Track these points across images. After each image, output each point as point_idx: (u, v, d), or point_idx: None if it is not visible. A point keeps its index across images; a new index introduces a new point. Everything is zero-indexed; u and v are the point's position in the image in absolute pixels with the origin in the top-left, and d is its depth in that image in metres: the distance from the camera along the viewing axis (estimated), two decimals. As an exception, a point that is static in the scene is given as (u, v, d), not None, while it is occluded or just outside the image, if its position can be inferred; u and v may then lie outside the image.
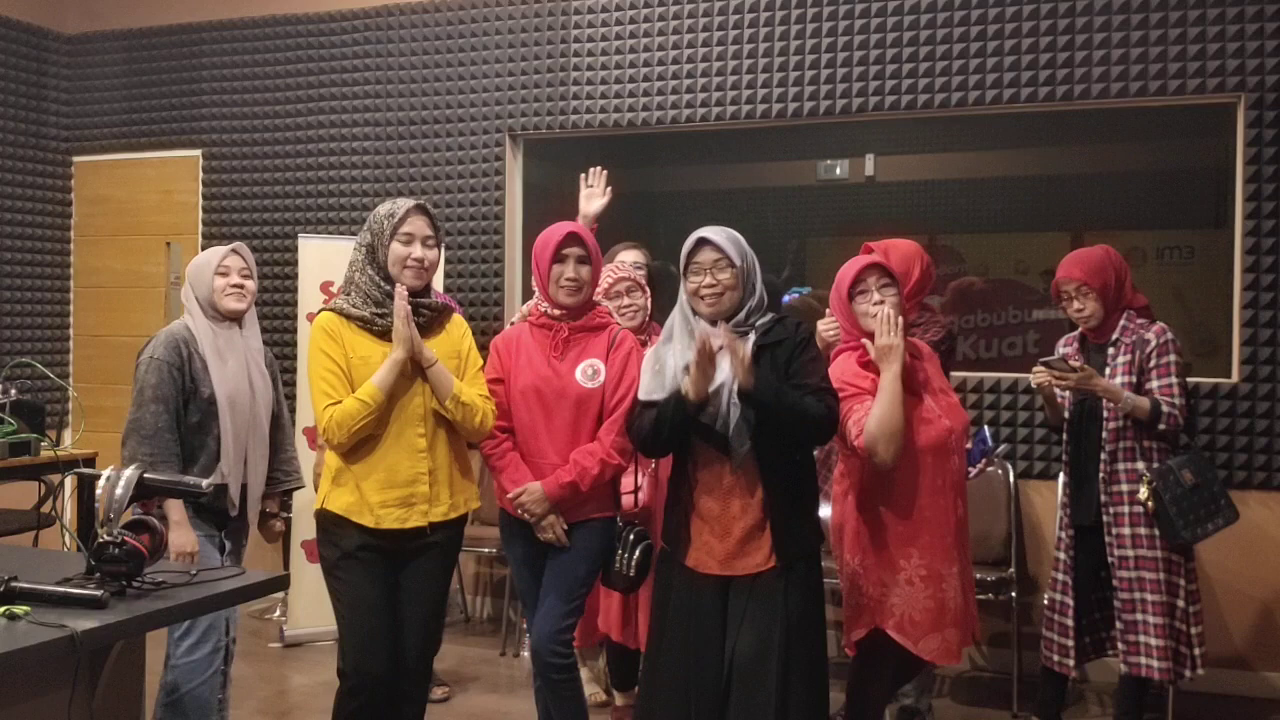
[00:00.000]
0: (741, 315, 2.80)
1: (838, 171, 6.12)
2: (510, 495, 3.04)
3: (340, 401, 2.83)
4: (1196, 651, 3.56)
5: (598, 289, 3.47)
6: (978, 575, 4.14)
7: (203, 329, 3.18)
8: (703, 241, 2.81)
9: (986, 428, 3.79)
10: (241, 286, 3.22)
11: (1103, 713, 4.18)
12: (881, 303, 3.00)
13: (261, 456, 3.25)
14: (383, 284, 2.90)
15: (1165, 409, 3.46)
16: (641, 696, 2.96)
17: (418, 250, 2.90)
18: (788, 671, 2.71)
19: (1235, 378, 4.43)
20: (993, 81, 4.68)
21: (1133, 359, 3.54)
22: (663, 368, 2.82)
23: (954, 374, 4.55)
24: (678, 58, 5.14)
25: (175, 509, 3.06)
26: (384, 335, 2.88)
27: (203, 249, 4.57)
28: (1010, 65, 4.66)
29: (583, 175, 4.05)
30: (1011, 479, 4.50)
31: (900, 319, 2.92)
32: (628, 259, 3.92)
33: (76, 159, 6.35)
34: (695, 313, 2.84)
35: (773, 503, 2.75)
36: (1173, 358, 3.52)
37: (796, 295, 4.68)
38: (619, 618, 3.63)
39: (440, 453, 2.93)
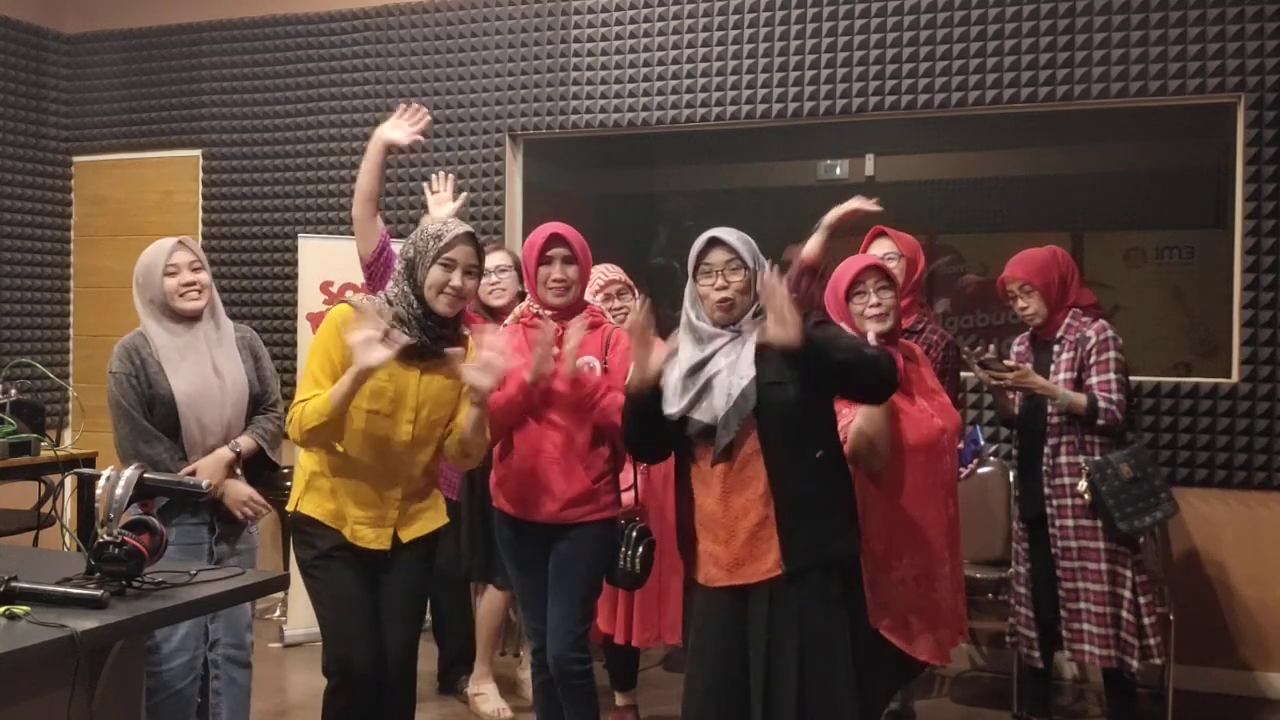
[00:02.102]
0: (748, 316, 2.68)
1: (838, 171, 6.12)
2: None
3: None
4: (1151, 641, 3.58)
5: (587, 292, 3.47)
6: (978, 575, 4.16)
7: (156, 334, 3.09)
8: (714, 241, 2.67)
9: (978, 427, 3.81)
10: (194, 283, 3.09)
11: (1103, 713, 4.17)
12: (878, 304, 3.00)
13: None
14: (414, 304, 2.78)
15: (1102, 404, 3.53)
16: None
17: (457, 279, 2.75)
18: (804, 693, 2.56)
19: (1235, 378, 4.43)
20: (993, 81, 4.68)
21: (1075, 355, 3.61)
22: (673, 369, 2.70)
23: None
24: (678, 58, 5.14)
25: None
26: (399, 355, 2.75)
27: (202, 249, 4.57)
28: (1010, 65, 4.66)
29: (425, 183, 4.06)
30: (1011, 479, 4.50)
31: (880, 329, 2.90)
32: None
33: (76, 159, 6.35)
34: (699, 317, 2.69)
35: (779, 499, 2.58)
36: (1112, 354, 3.58)
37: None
38: (612, 615, 3.62)
39: (417, 480, 2.89)
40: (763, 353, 2.62)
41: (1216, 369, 4.63)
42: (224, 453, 3.12)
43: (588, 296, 3.45)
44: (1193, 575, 4.43)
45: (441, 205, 4.03)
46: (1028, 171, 6.16)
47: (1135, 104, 4.58)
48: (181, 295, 3.09)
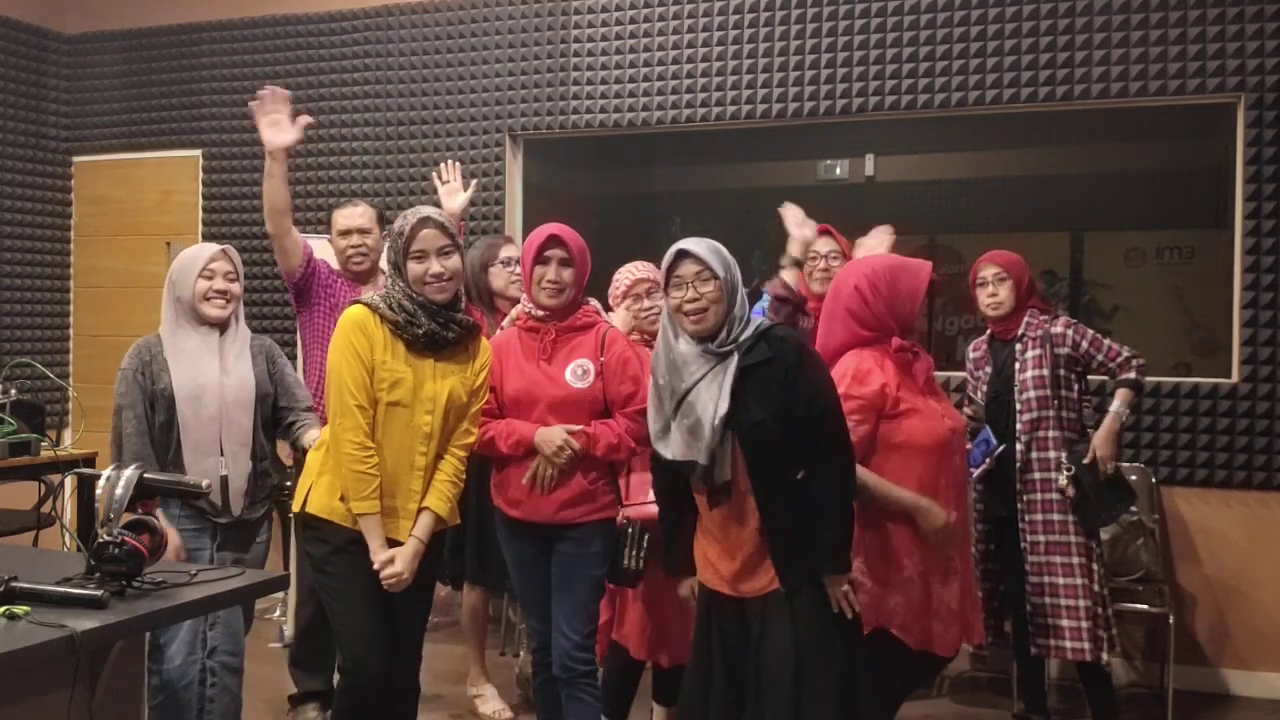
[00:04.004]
0: (723, 333, 2.66)
1: (838, 171, 6.14)
2: (532, 472, 3.01)
3: (363, 405, 2.78)
4: (1114, 632, 3.67)
5: (615, 292, 3.44)
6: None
7: (171, 334, 3.13)
8: (682, 254, 2.68)
9: (987, 427, 3.79)
10: (225, 292, 3.14)
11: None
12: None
13: (241, 447, 3.16)
14: (414, 297, 2.82)
15: (1132, 373, 3.64)
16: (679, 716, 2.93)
17: (434, 266, 2.79)
18: (800, 701, 2.62)
19: (1235, 378, 4.43)
20: (993, 81, 4.68)
21: (1043, 353, 3.67)
22: (661, 403, 2.72)
23: (952, 373, 4.56)
24: (678, 58, 5.14)
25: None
26: (412, 344, 2.82)
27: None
28: (1010, 65, 4.66)
29: (434, 173, 3.99)
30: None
31: None
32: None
33: (76, 159, 6.35)
34: (679, 332, 2.69)
35: (771, 529, 2.63)
36: (1090, 331, 3.71)
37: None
38: (637, 632, 3.44)
39: (433, 473, 2.90)
40: (743, 382, 2.62)
41: (1216, 369, 4.63)
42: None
43: (613, 299, 3.45)
44: (1193, 575, 4.44)
45: (453, 196, 3.99)
46: (1028, 171, 6.17)
47: (1135, 104, 4.58)
48: (208, 300, 3.13)
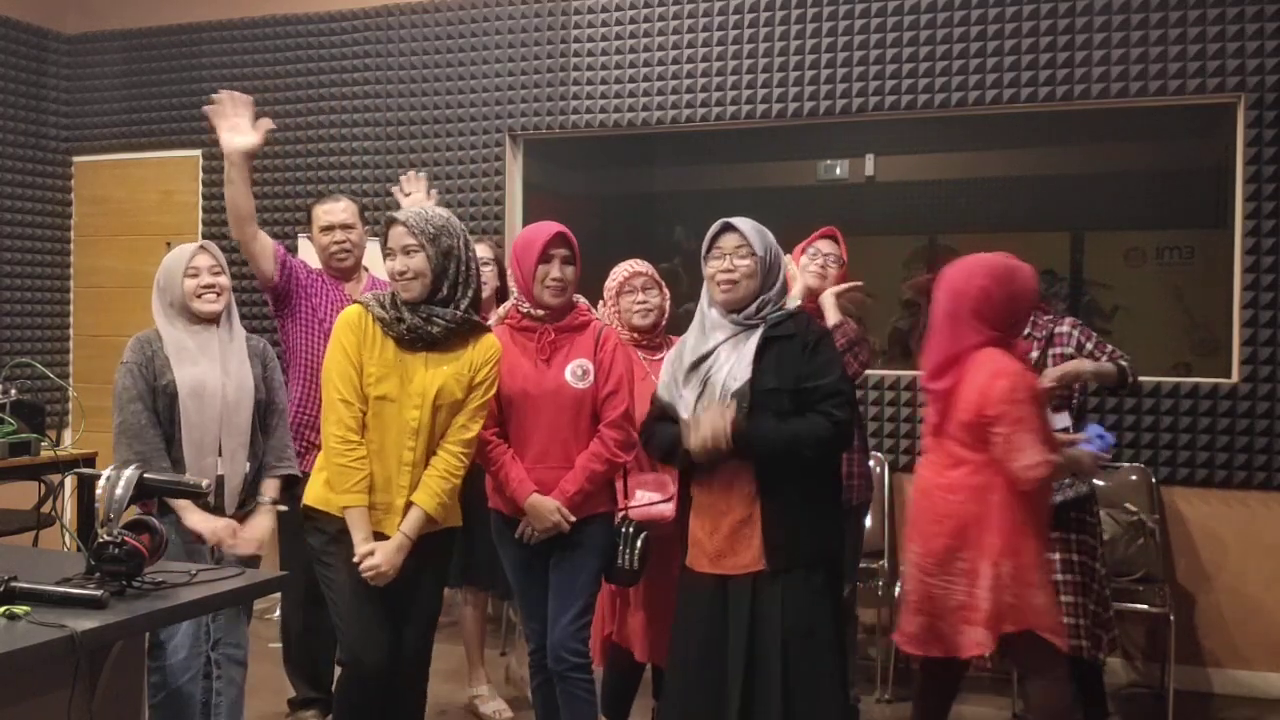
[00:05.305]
0: (753, 308, 2.79)
1: (838, 171, 6.13)
2: (521, 530, 3.07)
3: (347, 400, 2.83)
4: (1116, 633, 3.67)
5: (610, 285, 3.44)
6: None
7: (169, 334, 3.14)
8: (727, 226, 2.83)
9: (1090, 423, 3.71)
10: (213, 285, 3.14)
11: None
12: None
13: (239, 447, 3.16)
14: (396, 294, 2.90)
15: (1124, 363, 3.63)
16: (662, 705, 2.96)
17: (398, 264, 2.85)
18: (788, 688, 2.66)
19: (1235, 378, 4.43)
20: (993, 81, 4.68)
21: (1042, 354, 3.67)
22: (680, 360, 2.83)
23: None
24: (678, 58, 5.14)
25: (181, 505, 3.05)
26: (400, 341, 2.86)
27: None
28: (1010, 65, 4.66)
29: (396, 188, 3.98)
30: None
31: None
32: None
33: (76, 159, 6.35)
34: (709, 303, 2.84)
35: (765, 499, 2.71)
36: (1095, 335, 3.72)
37: None
38: (640, 633, 3.41)
39: (424, 468, 2.90)
40: (764, 352, 2.74)
41: (1216, 369, 4.63)
42: (266, 522, 3.16)
43: (608, 292, 3.45)
44: (1193, 575, 4.44)
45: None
46: (1028, 171, 6.16)
47: (1135, 104, 4.58)
48: (199, 297, 3.14)
